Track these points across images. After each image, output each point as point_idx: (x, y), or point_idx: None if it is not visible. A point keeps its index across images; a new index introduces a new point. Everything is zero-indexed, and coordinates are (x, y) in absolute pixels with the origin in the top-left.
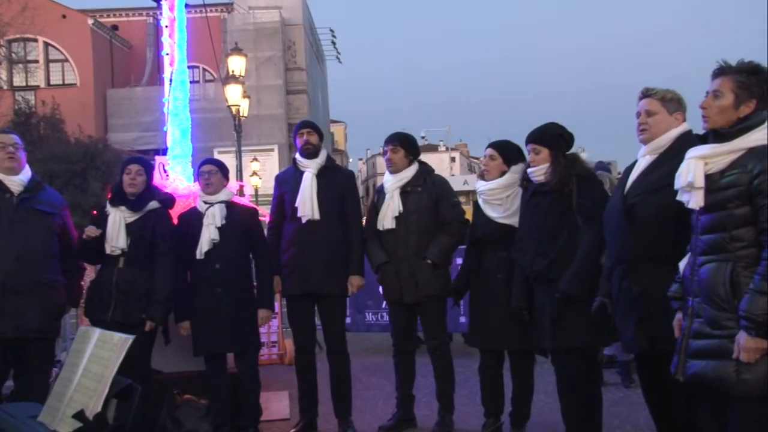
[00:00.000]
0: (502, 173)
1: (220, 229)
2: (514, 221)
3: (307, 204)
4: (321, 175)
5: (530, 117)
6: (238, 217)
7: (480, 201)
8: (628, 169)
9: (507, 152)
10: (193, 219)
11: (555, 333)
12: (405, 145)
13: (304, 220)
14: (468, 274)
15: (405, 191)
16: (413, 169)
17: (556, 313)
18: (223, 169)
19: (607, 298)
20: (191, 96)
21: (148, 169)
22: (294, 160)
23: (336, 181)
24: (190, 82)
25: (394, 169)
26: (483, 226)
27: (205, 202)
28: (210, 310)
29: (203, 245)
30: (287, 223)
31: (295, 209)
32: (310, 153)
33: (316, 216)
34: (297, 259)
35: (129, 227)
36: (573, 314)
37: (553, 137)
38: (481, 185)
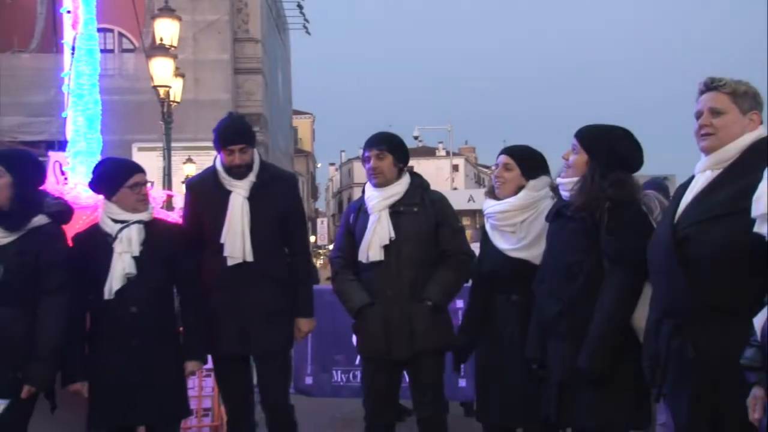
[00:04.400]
0: (519, 188)
1: (138, 258)
2: (530, 255)
3: (236, 243)
4: (253, 194)
5: (566, 119)
6: (161, 240)
7: (487, 226)
8: (682, 189)
9: (527, 161)
10: (96, 243)
11: (560, 406)
12: (395, 150)
13: (231, 263)
14: (474, 324)
15: (397, 211)
16: (405, 182)
17: (563, 380)
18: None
19: (653, 362)
20: (102, 71)
21: (18, 168)
22: (215, 170)
23: (274, 198)
24: (101, 52)
25: (380, 182)
26: (491, 260)
27: (115, 220)
28: (119, 367)
29: (114, 282)
30: (208, 255)
31: (220, 243)
32: (242, 174)
33: (249, 258)
34: (228, 308)
35: (1, 253)
36: (586, 383)
37: (602, 143)
38: (489, 205)
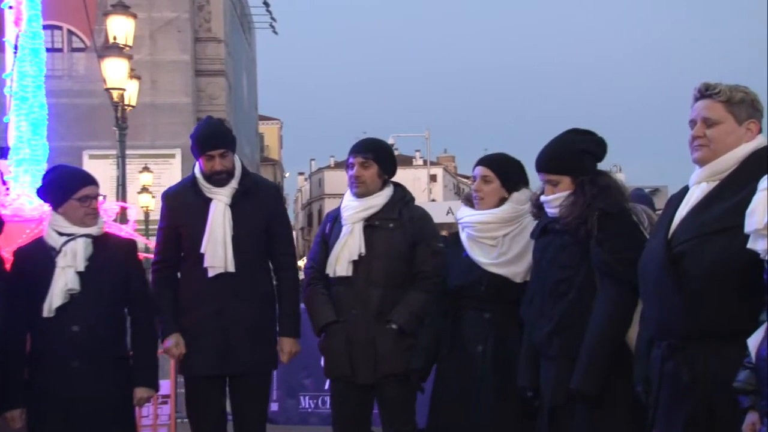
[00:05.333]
0: (501, 201)
1: (82, 274)
2: (510, 272)
3: (218, 252)
4: (236, 202)
5: (546, 123)
6: (111, 256)
7: (463, 236)
8: (674, 202)
9: (508, 172)
10: (39, 257)
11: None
12: (382, 160)
13: (212, 273)
14: (436, 342)
15: (371, 225)
16: (386, 194)
17: (556, 405)
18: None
19: (644, 385)
20: (49, 72)
21: None
22: (194, 178)
23: (258, 207)
24: (48, 51)
25: (361, 191)
26: (463, 273)
27: (61, 233)
28: (58, 391)
29: (54, 298)
30: (187, 268)
31: (200, 254)
32: (223, 181)
33: (231, 268)
34: (208, 323)
35: None
36: (580, 407)
37: (575, 158)
38: (466, 213)
